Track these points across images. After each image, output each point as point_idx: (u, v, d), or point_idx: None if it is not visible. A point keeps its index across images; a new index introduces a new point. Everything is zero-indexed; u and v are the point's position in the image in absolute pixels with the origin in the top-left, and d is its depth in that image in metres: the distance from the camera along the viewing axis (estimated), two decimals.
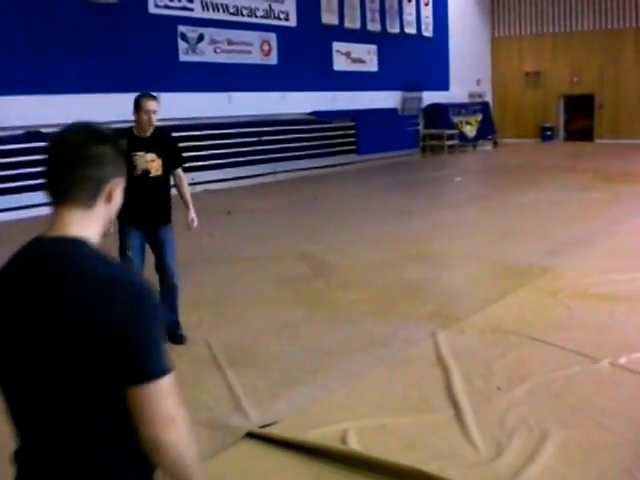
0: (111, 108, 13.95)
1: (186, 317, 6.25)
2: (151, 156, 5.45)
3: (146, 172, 5.43)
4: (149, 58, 15.31)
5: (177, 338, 5.60)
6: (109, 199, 1.75)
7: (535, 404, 4.41)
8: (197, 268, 8.02)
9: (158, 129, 5.58)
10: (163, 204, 5.65)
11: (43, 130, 13.28)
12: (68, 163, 1.68)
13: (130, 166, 5.40)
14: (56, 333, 1.58)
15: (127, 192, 5.76)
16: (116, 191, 1.76)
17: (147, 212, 5.50)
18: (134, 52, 15.05)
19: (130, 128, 5.51)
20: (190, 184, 14.75)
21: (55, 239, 1.66)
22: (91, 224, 1.71)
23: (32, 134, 13.17)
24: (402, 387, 4.70)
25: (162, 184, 5.61)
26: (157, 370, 1.61)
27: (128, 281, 1.66)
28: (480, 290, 7.19)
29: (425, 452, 3.78)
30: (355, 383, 4.82)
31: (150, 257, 5.73)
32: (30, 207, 12.43)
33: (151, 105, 5.38)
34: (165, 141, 5.71)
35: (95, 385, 1.60)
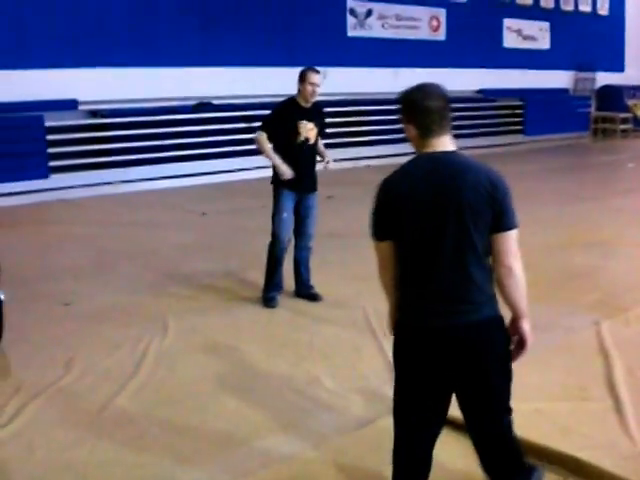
0: (278, 82, 14.35)
1: (347, 288, 6.42)
2: (311, 125, 5.94)
3: (307, 140, 5.94)
4: (317, 33, 15.52)
5: (313, 296, 6.17)
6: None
7: None
8: (357, 241, 8.11)
9: (315, 101, 6.04)
10: (314, 172, 6.15)
11: (214, 102, 13.87)
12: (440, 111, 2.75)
13: (293, 133, 5.89)
14: (472, 200, 2.65)
15: (288, 157, 5.99)
16: None
17: (303, 178, 5.97)
18: (302, 27, 15.30)
19: (293, 98, 6.00)
20: (353, 159, 15.05)
21: (445, 152, 2.76)
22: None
23: (203, 105, 13.76)
24: (561, 373, 4.60)
25: (315, 153, 6.14)
26: (514, 224, 2.72)
27: (495, 171, 2.76)
28: None
29: (580, 440, 3.70)
30: (514, 366, 4.75)
31: None
32: (196, 175, 13.07)
33: (315, 78, 5.84)
34: (321, 113, 6.20)
35: (485, 232, 2.68)
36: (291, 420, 4.06)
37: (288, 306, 6.08)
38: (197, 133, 13.46)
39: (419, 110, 2.76)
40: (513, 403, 4.08)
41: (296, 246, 6.19)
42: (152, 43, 13.22)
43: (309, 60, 14.83)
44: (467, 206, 2.65)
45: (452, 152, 2.78)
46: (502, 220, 2.68)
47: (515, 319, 2.83)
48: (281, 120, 5.97)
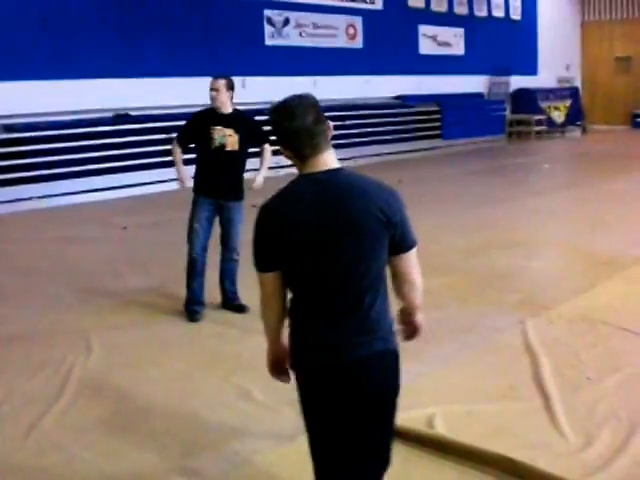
0: (198, 92, 14.23)
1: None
2: (230, 131, 5.86)
3: (222, 146, 5.87)
4: (236, 42, 15.47)
5: (239, 307, 6.07)
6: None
7: (626, 395, 4.32)
8: None
9: (237, 110, 6.03)
10: (236, 180, 6.02)
11: (132, 113, 13.66)
12: (308, 131, 2.45)
13: (207, 139, 5.85)
14: (364, 224, 2.42)
15: (205, 163, 5.89)
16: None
17: (219, 185, 5.90)
18: (221, 36, 15.23)
19: (211, 107, 5.99)
20: (273, 168, 14.99)
21: (328, 171, 2.48)
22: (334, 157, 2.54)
23: (121, 116, 13.53)
24: (489, 374, 4.67)
25: (237, 160, 6.02)
26: (414, 242, 2.55)
27: (388, 187, 2.53)
28: (569, 279, 7.06)
29: (513, 440, 3.75)
30: (441, 368, 4.81)
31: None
32: (118, 188, 12.83)
33: (213, 84, 5.86)
34: (246, 121, 6.14)
35: (383, 256, 2.49)
36: (221, 437, 3.98)
37: (215, 318, 5.99)
38: (117, 145, 13.22)
39: (283, 133, 2.48)
40: (443, 405, 4.15)
41: (221, 257, 6.12)
42: (69, 55, 12.94)
43: (228, 69, 14.83)
44: (361, 230, 2.43)
45: (337, 170, 2.49)
46: (403, 240, 2.51)
47: (409, 313, 2.71)
48: (194, 127, 6.00)
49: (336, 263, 2.45)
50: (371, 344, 2.50)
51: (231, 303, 6.13)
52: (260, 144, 6.19)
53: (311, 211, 2.44)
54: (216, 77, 5.96)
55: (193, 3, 14.85)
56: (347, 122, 17.09)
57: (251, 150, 6.18)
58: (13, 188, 11.77)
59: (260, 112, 15.26)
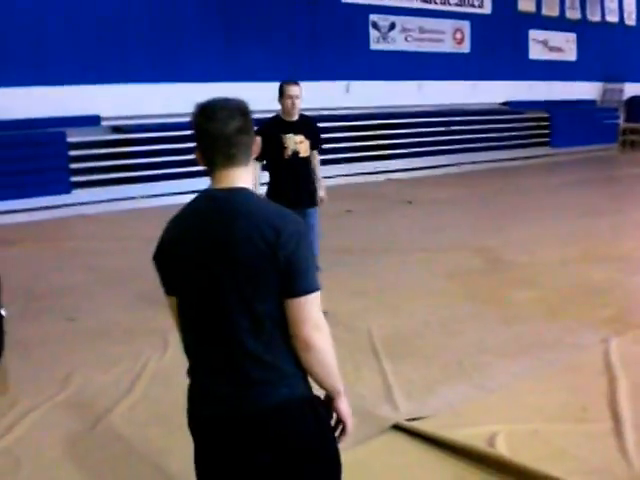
0: (305, 96, 14.35)
1: (350, 304, 6.33)
2: (300, 137, 5.81)
3: (296, 153, 5.81)
4: (341, 47, 15.52)
5: None
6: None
7: None
8: (370, 257, 8.10)
9: (302, 114, 5.97)
10: (311, 186, 6.00)
11: None
12: (229, 137, 2.12)
13: (280, 148, 5.76)
14: (245, 256, 2.04)
15: (280, 173, 5.80)
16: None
17: (300, 192, 5.84)
18: (326, 41, 15.32)
19: (277, 115, 5.93)
20: (373, 172, 15.00)
21: (229, 190, 2.13)
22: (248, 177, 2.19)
23: None
24: (562, 393, 4.49)
25: (309, 166, 5.99)
26: (310, 287, 2.07)
27: (294, 217, 2.15)
28: None
29: (573, 463, 3.60)
30: (514, 385, 4.67)
31: None
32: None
33: (293, 90, 5.76)
34: (311, 125, 6.07)
35: (270, 296, 2.05)
36: None
37: None
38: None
39: (200, 135, 2.15)
40: (508, 424, 4.01)
41: None
42: (176, 59, 13.33)
43: (333, 74, 14.95)
44: (240, 263, 2.04)
45: (238, 190, 2.13)
46: (292, 282, 2.05)
47: (329, 398, 2.26)
48: (264, 138, 5.88)
49: (216, 299, 2.08)
50: (270, 393, 2.09)
51: None
52: (313, 148, 6.07)
53: (194, 232, 2.11)
54: (292, 82, 5.83)
55: (298, 8, 14.99)
56: (452, 127, 16.88)
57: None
58: (117, 187, 12.19)
59: (363, 117, 15.46)
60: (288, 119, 5.83)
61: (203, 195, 2.18)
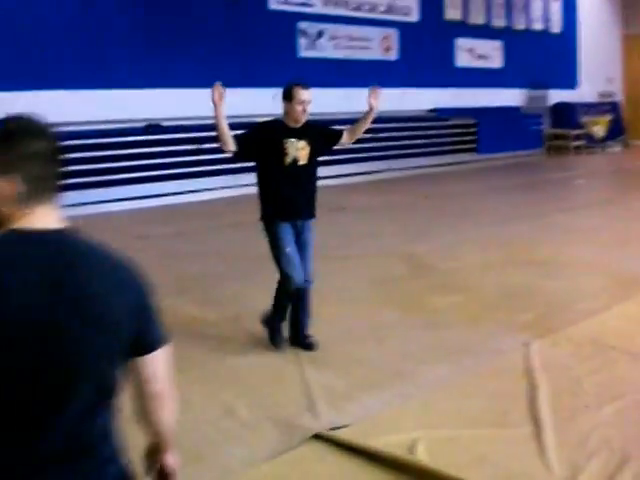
0: (229, 103, 14.23)
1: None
2: (302, 144, 5.21)
3: (296, 160, 5.22)
4: (269, 54, 15.50)
5: (308, 345, 5.43)
6: None
7: (622, 426, 4.15)
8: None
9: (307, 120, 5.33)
10: (312, 196, 5.44)
11: (163, 123, 13.75)
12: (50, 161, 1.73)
13: (280, 153, 5.16)
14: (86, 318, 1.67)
15: (278, 182, 5.39)
16: None
17: (298, 203, 5.29)
18: (253, 47, 15.27)
19: (278, 119, 5.31)
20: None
21: (56, 232, 1.72)
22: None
23: (152, 126, 13.63)
24: (482, 398, 4.53)
25: (310, 174, 5.40)
26: (163, 339, 1.88)
27: (128, 265, 1.82)
28: (585, 300, 6.83)
29: (494, 469, 3.63)
30: (434, 391, 4.69)
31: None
32: (147, 198, 12.91)
33: (305, 95, 5.12)
34: (314, 128, 5.43)
35: (118, 357, 1.77)
36: (199, 454, 3.92)
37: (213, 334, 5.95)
38: (148, 155, 13.31)
39: (24, 153, 1.67)
40: (429, 430, 4.02)
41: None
42: (101, 65, 13.09)
43: (261, 81, 14.89)
44: (94, 319, 1.68)
45: (62, 232, 1.72)
46: (149, 335, 1.83)
47: (157, 449, 2.03)
48: (263, 138, 5.24)
49: (50, 360, 1.64)
50: (108, 468, 1.78)
51: (304, 341, 5.45)
52: (337, 139, 5.53)
53: (31, 290, 1.62)
54: (301, 85, 5.17)
55: (226, 14, 14.92)
56: (381, 135, 16.97)
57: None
58: None
59: None
60: (292, 125, 5.21)
61: (19, 239, 1.67)
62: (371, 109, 5.51)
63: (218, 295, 7.05)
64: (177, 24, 14.14)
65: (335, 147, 5.67)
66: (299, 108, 5.11)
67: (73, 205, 11.92)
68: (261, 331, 5.61)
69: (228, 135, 5.06)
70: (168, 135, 13.65)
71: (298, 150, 5.19)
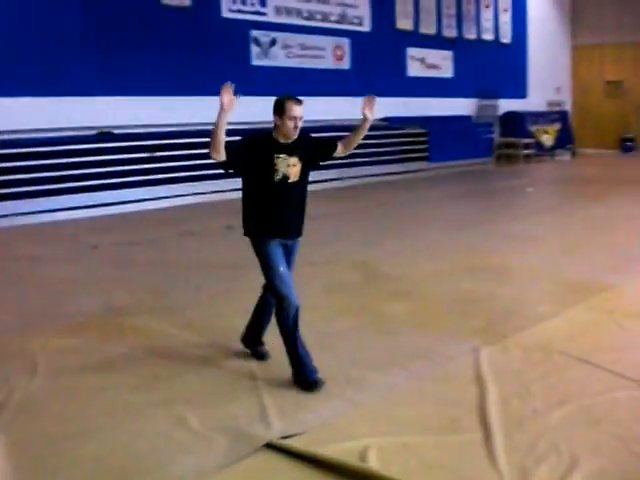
0: (182, 111, 14.25)
1: (226, 322, 6.27)
2: (294, 160, 4.93)
3: (286, 177, 4.92)
4: (221, 62, 15.47)
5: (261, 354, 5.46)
6: None
7: (570, 430, 4.22)
8: (247, 272, 8.01)
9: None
10: (301, 214, 5.20)
11: (115, 131, 13.64)
12: None
13: (270, 169, 4.88)
14: None
15: (266, 199, 5.06)
16: None
17: (288, 222, 5.07)
18: (206, 55, 15.25)
19: (269, 133, 4.95)
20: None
21: None
22: None
23: (104, 134, 13.51)
24: (433, 405, 4.57)
25: (301, 191, 5.14)
26: None
27: None
28: (534, 306, 6.94)
29: (444, 475, 3.66)
30: (384, 398, 4.72)
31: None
32: (100, 206, 12.78)
33: (298, 111, 4.81)
34: (306, 142, 5.10)
35: None
36: (150, 465, 3.89)
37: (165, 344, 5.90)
38: (99, 163, 13.17)
39: None
40: (380, 437, 4.04)
41: (268, 303, 5.40)
42: (53, 72, 12.94)
43: (213, 88, 14.83)
44: None
45: None
46: None
47: None
48: (252, 152, 4.89)
49: None
50: None
51: (257, 348, 5.47)
52: (333, 150, 5.22)
53: None
54: (294, 100, 4.84)
55: (179, 22, 14.87)
56: None
57: None
58: None
59: (246, 132, 15.37)
60: (284, 141, 4.91)
61: None
62: (366, 119, 5.24)
63: (172, 304, 7.01)
64: (129, 31, 14.06)
65: (328, 160, 5.36)
66: (290, 124, 4.80)
67: (23, 214, 11.80)
68: (214, 341, 5.59)
69: (222, 144, 4.67)
70: (120, 143, 13.53)
71: (289, 167, 4.90)
